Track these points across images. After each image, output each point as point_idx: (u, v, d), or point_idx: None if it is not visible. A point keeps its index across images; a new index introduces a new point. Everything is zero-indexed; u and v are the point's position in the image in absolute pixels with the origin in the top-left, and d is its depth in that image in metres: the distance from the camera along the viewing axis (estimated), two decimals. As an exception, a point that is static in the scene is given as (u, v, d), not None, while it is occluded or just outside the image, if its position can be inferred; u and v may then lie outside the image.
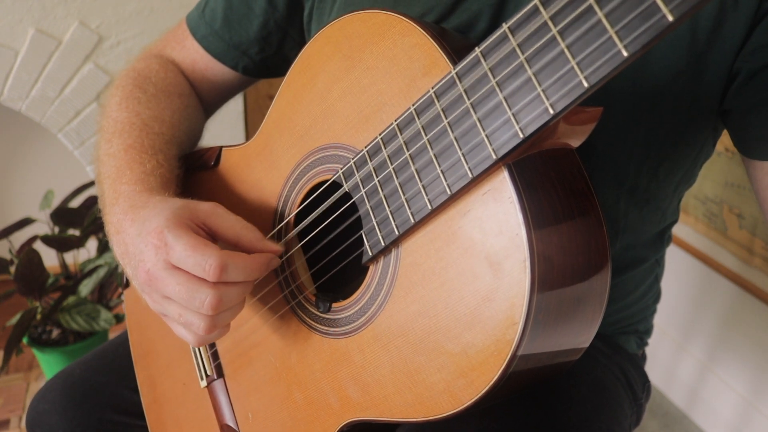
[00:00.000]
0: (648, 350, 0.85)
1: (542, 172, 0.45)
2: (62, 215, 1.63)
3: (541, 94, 0.39)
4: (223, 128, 1.89)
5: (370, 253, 0.52)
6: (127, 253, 0.59)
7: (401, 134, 0.49)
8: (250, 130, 1.95)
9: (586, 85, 0.37)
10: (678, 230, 1.66)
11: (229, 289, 0.53)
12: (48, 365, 1.64)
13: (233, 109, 1.88)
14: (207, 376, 0.70)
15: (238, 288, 0.54)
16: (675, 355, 1.72)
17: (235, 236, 0.56)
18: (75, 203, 1.71)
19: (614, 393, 0.73)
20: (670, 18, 0.32)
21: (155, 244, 0.53)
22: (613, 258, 0.69)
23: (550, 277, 0.44)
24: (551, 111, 0.39)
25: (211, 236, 0.58)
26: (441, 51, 0.47)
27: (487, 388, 0.46)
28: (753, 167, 0.60)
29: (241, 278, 0.53)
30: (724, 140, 1.45)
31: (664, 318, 1.69)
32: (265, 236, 0.57)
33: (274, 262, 0.57)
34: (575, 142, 0.47)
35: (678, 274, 1.65)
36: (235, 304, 0.55)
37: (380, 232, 0.51)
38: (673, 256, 1.59)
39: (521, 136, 0.40)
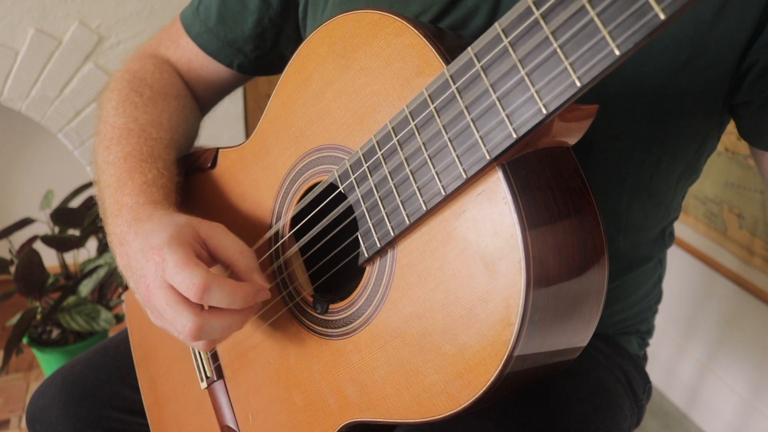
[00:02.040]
0: (648, 350, 0.85)
1: (538, 172, 0.44)
2: (62, 215, 1.63)
3: (534, 94, 0.39)
4: (222, 128, 1.88)
5: (366, 255, 0.52)
6: (130, 266, 0.59)
7: (395, 135, 0.48)
8: (249, 130, 1.95)
9: (579, 84, 0.36)
10: (678, 230, 1.66)
11: (213, 320, 0.53)
12: (48, 365, 1.65)
13: (233, 109, 1.88)
14: (207, 377, 0.70)
15: (222, 320, 0.53)
16: (675, 355, 1.72)
17: (228, 260, 0.56)
18: (75, 203, 1.71)
19: (614, 394, 0.73)
20: (663, 16, 0.32)
21: (156, 260, 0.53)
22: (619, 257, 0.69)
23: (546, 276, 0.44)
24: (545, 111, 0.38)
25: (212, 257, 0.57)
26: (434, 51, 0.47)
27: (484, 388, 0.45)
28: (764, 159, 0.60)
29: (225, 303, 0.52)
30: (724, 140, 1.45)
31: (665, 318, 1.69)
32: (259, 267, 0.57)
33: (262, 294, 0.55)
34: (571, 140, 0.47)
35: (678, 274, 1.65)
36: (217, 336, 0.54)
37: (376, 233, 0.51)
38: (673, 256, 1.58)
39: (515, 136, 0.40)
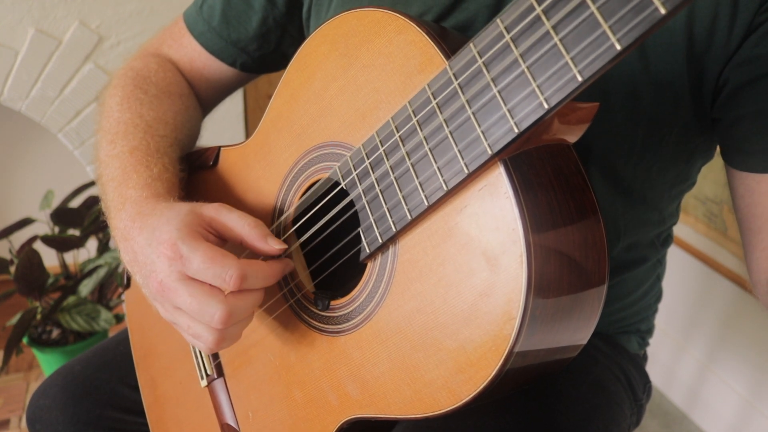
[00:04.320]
0: (648, 350, 0.85)
1: (539, 168, 0.45)
2: (62, 215, 1.63)
3: (536, 88, 0.39)
4: (223, 128, 1.89)
5: (368, 251, 0.52)
6: (137, 261, 0.59)
7: (397, 131, 0.49)
8: (250, 130, 1.95)
9: (580, 79, 0.37)
10: (678, 230, 1.66)
11: (240, 302, 0.53)
12: (48, 365, 1.65)
13: (233, 109, 1.89)
14: (207, 375, 0.70)
15: (248, 300, 0.54)
16: (675, 355, 1.72)
17: (238, 234, 0.56)
18: (75, 203, 1.71)
19: (614, 393, 0.73)
20: (663, 11, 0.32)
21: (168, 255, 0.53)
22: (614, 258, 0.70)
23: (547, 272, 0.44)
24: (546, 105, 0.39)
25: (220, 237, 0.58)
26: (436, 48, 0.47)
27: (485, 383, 0.46)
28: (732, 175, 0.61)
29: (260, 285, 0.54)
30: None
31: (665, 318, 1.69)
32: (269, 233, 0.57)
33: (289, 267, 0.58)
34: (572, 138, 0.47)
35: (678, 274, 1.65)
36: (245, 317, 0.55)
37: (377, 229, 0.51)
38: (673, 256, 1.58)
39: (516, 131, 0.41)
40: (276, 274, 0.56)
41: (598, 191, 0.63)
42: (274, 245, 0.56)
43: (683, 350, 1.70)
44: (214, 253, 0.52)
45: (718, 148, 0.67)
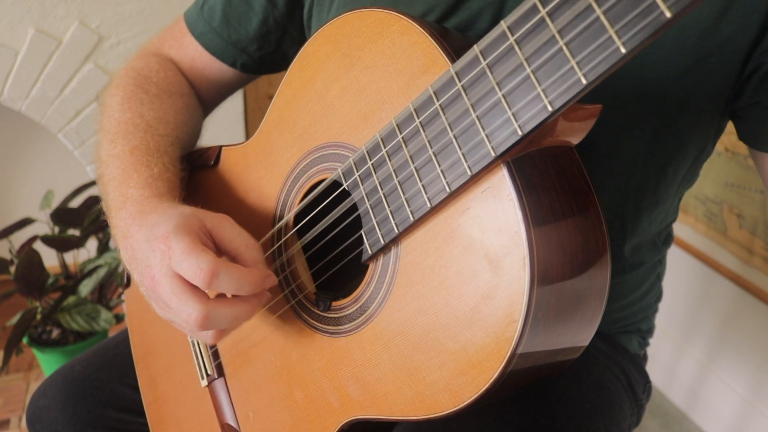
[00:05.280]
0: (648, 350, 0.85)
1: (542, 170, 0.45)
2: (62, 215, 1.63)
3: (540, 92, 0.39)
4: (223, 128, 1.89)
5: (370, 252, 0.52)
6: (135, 258, 0.59)
7: (400, 133, 0.49)
8: (250, 130, 1.95)
9: (584, 82, 0.37)
10: (678, 230, 1.66)
11: (219, 308, 0.52)
12: (48, 365, 1.64)
13: (233, 109, 1.88)
14: (208, 375, 0.70)
15: (229, 309, 0.52)
16: (675, 355, 1.72)
17: (233, 251, 0.56)
18: (75, 203, 1.71)
19: (614, 393, 0.73)
20: (668, 14, 0.32)
21: (162, 249, 0.53)
22: (618, 259, 0.70)
23: (550, 274, 0.44)
24: (550, 108, 0.39)
25: (217, 248, 0.57)
26: (440, 49, 0.47)
27: (487, 385, 0.46)
28: (766, 161, 0.60)
29: (233, 289, 0.52)
30: (724, 140, 1.46)
31: (665, 318, 1.69)
32: (264, 260, 0.57)
33: (270, 280, 0.55)
34: (575, 140, 0.47)
35: (678, 274, 1.65)
36: (223, 326, 0.53)
37: (380, 230, 0.51)
38: (673, 256, 1.58)
39: (520, 133, 0.41)
40: (253, 282, 0.52)
41: (607, 190, 0.63)
42: (264, 271, 0.55)
43: (683, 350, 1.70)
44: (194, 246, 0.51)
45: (717, 146, 0.67)
